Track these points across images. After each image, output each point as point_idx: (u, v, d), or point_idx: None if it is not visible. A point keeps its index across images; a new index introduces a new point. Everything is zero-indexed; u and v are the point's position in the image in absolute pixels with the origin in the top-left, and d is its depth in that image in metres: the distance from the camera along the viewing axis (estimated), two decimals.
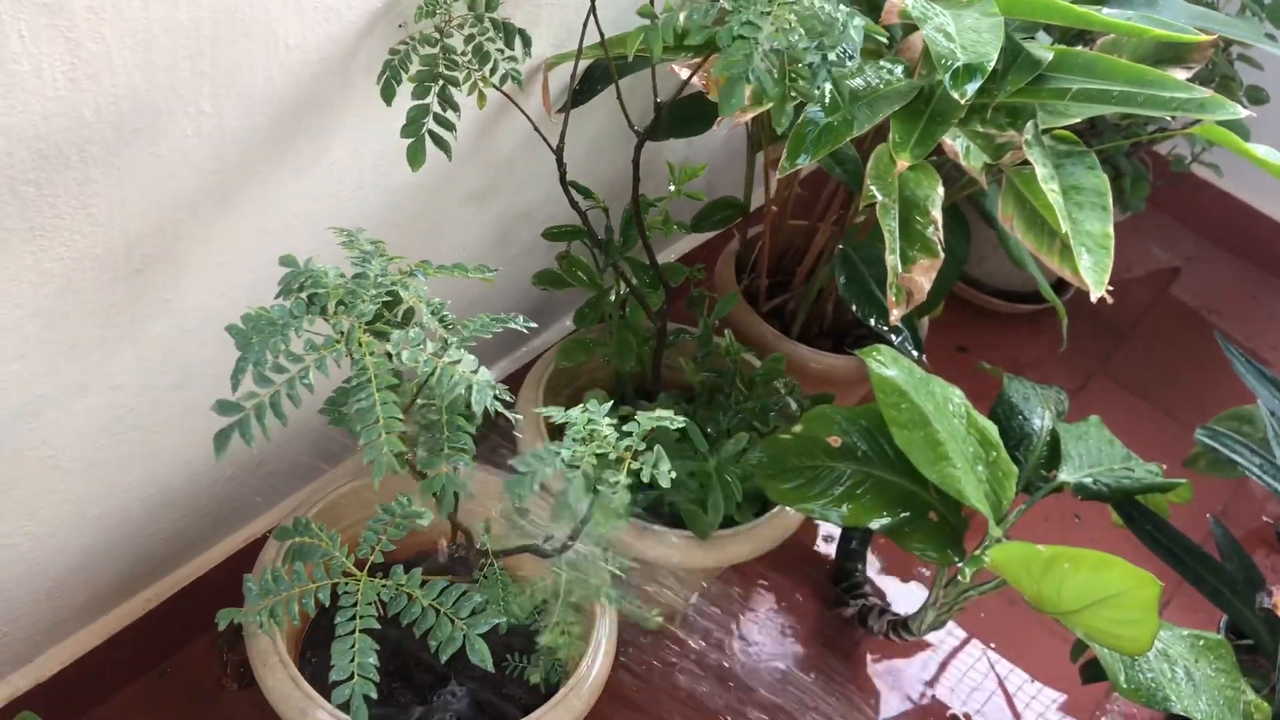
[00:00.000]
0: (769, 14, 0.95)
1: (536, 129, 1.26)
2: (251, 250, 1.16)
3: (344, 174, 1.21)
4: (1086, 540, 1.80)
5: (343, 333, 0.85)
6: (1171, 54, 1.36)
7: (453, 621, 0.93)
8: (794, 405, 1.50)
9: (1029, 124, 1.21)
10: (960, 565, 1.33)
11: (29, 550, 1.19)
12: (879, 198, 1.18)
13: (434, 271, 0.93)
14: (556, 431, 1.23)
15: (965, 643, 1.76)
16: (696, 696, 1.59)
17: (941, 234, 1.19)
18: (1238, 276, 2.54)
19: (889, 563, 1.82)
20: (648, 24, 1.07)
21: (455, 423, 0.96)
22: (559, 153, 1.28)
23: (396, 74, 1.07)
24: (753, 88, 0.95)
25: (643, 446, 0.91)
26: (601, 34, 1.22)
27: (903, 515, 1.34)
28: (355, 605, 0.94)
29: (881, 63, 1.26)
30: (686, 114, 1.42)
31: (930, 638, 1.73)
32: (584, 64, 1.36)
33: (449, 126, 1.09)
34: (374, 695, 0.90)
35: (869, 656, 1.71)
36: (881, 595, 1.77)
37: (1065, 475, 1.43)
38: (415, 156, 1.09)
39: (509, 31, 1.13)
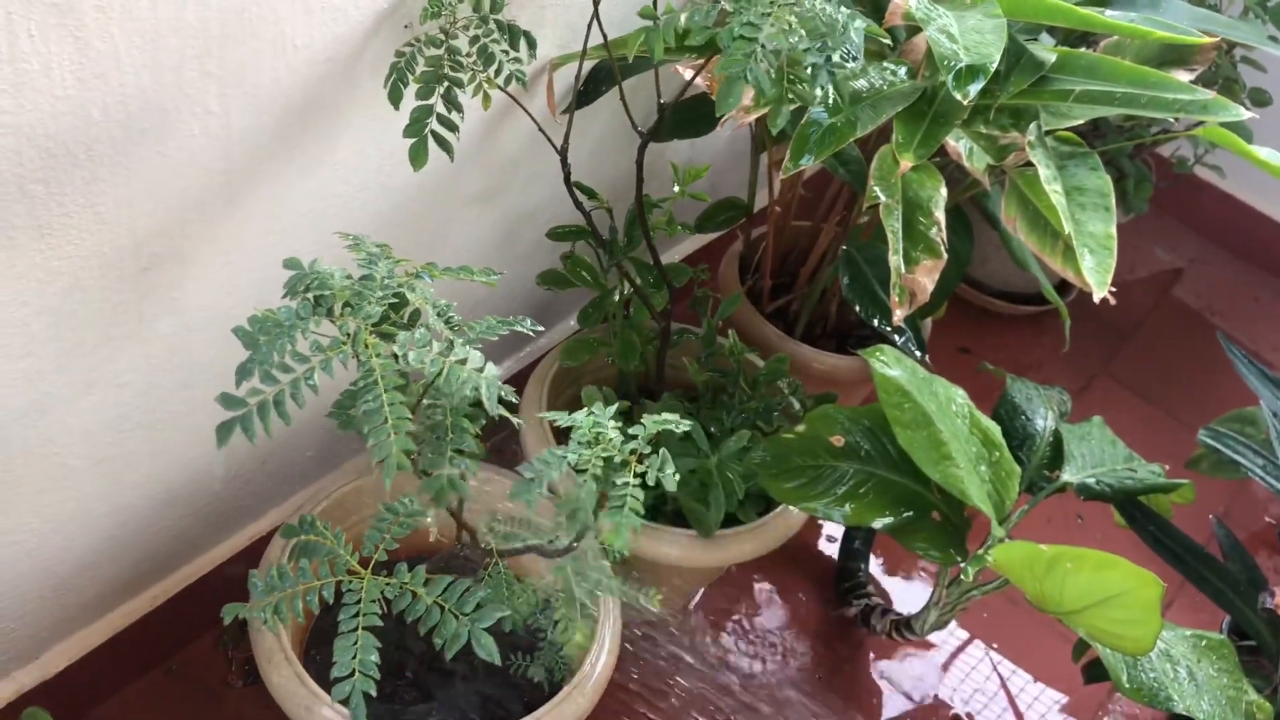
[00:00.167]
0: (769, 15, 0.95)
1: (541, 130, 1.27)
2: (258, 249, 1.17)
3: (350, 174, 1.22)
4: (1089, 541, 1.80)
5: (349, 334, 0.86)
6: (1174, 56, 1.36)
7: (457, 618, 0.93)
8: (797, 405, 1.51)
9: (1032, 125, 1.22)
10: (963, 565, 1.33)
11: (35, 547, 1.19)
12: (882, 198, 1.19)
13: (440, 274, 0.94)
14: (561, 430, 1.23)
15: (968, 643, 1.76)
16: (699, 695, 1.59)
17: (945, 235, 1.20)
18: (1240, 278, 2.54)
19: (892, 563, 1.83)
20: (650, 25, 1.07)
21: (459, 423, 0.97)
22: (563, 153, 1.29)
23: (403, 75, 1.08)
24: (753, 89, 0.96)
25: (648, 449, 0.91)
26: (605, 35, 1.22)
27: (905, 515, 1.34)
28: (359, 603, 0.94)
29: (885, 64, 1.26)
30: (690, 115, 1.43)
31: (933, 638, 1.73)
32: (588, 65, 1.37)
33: (452, 127, 1.09)
34: (374, 693, 0.91)
35: (871, 656, 1.71)
36: (884, 595, 1.77)
37: (1068, 476, 1.43)
38: (418, 157, 1.09)
39: (514, 33, 1.13)
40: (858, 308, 1.53)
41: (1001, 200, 1.25)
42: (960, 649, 1.76)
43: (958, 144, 1.22)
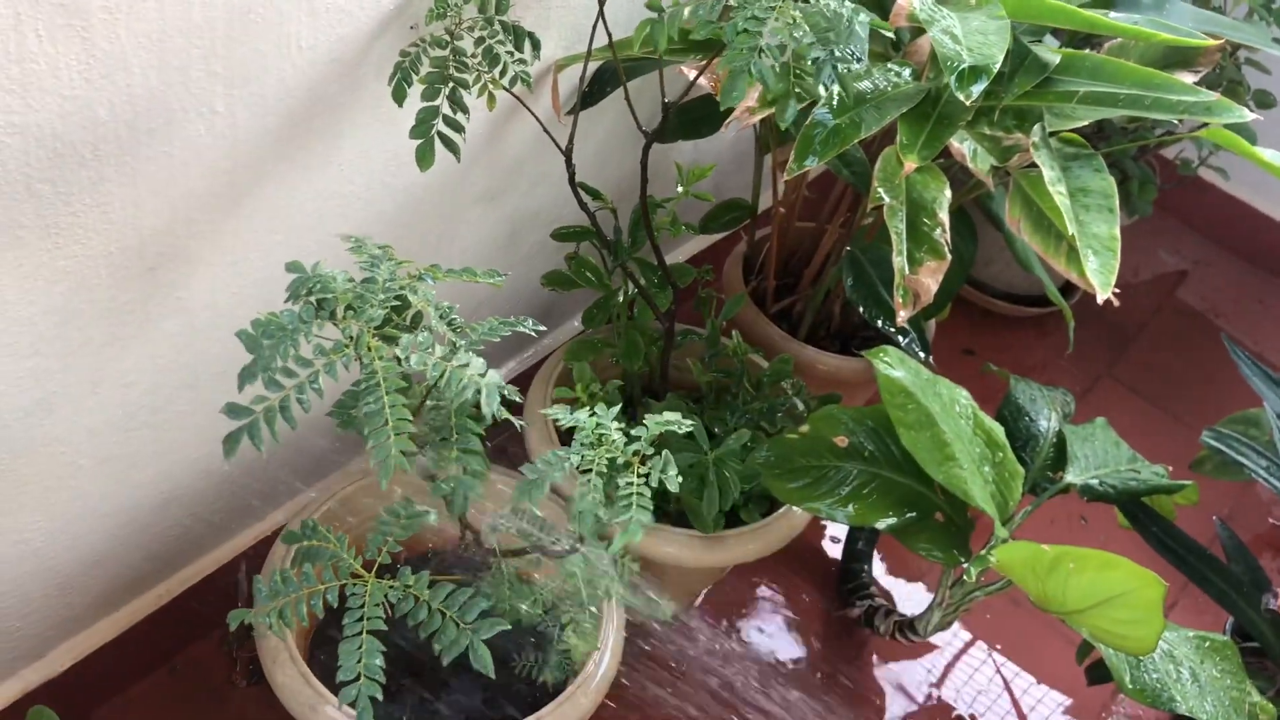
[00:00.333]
0: (774, 10, 0.95)
1: (546, 130, 1.27)
2: (263, 249, 1.17)
3: (354, 174, 1.22)
4: (1093, 542, 1.79)
5: (352, 337, 0.86)
6: (1179, 58, 1.36)
7: (458, 625, 0.93)
8: (801, 406, 1.51)
9: (1036, 126, 1.22)
10: (966, 565, 1.33)
11: (42, 546, 1.20)
12: (886, 199, 1.19)
13: (443, 275, 0.94)
14: (565, 430, 1.23)
15: (971, 644, 1.76)
16: (703, 696, 1.59)
17: (949, 236, 1.20)
18: (1244, 280, 2.54)
19: (895, 563, 1.83)
20: (654, 17, 1.07)
21: (464, 425, 0.97)
22: (568, 154, 1.29)
23: (408, 76, 1.08)
24: (759, 87, 0.96)
25: (651, 450, 0.91)
26: (610, 36, 1.23)
27: (909, 515, 1.34)
28: (363, 607, 0.94)
29: (889, 65, 1.26)
30: (694, 116, 1.43)
31: (936, 639, 1.73)
32: (593, 66, 1.37)
33: (458, 128, 1.10)
34: (380, 697, 0.91)
35: (875, 657, 1.71)
36: (887, 596, 1.77)
37: (1072, 477, 1.43)
38: (424, 157, 1.10)
39: (519, 34, 1.13)
40: (861, 309, 1.53)
41: (1005, 202, 1.26)
42: (963, 650, 1.76)
43: (962, 145, 1.22)
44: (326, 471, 1.52)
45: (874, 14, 1.03)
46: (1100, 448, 1.48)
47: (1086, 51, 1.32)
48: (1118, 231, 1.18)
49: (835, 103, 1.18)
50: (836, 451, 1.35)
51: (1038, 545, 1.18)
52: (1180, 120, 1.22)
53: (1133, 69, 1.23)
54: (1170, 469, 1.48)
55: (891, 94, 1.23)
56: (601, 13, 1.20)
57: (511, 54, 1.13)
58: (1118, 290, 1.15)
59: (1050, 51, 1.25)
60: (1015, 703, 1.71)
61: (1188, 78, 1.29)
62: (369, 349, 0.85)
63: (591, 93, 1.40)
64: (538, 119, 1.27)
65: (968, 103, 1.13)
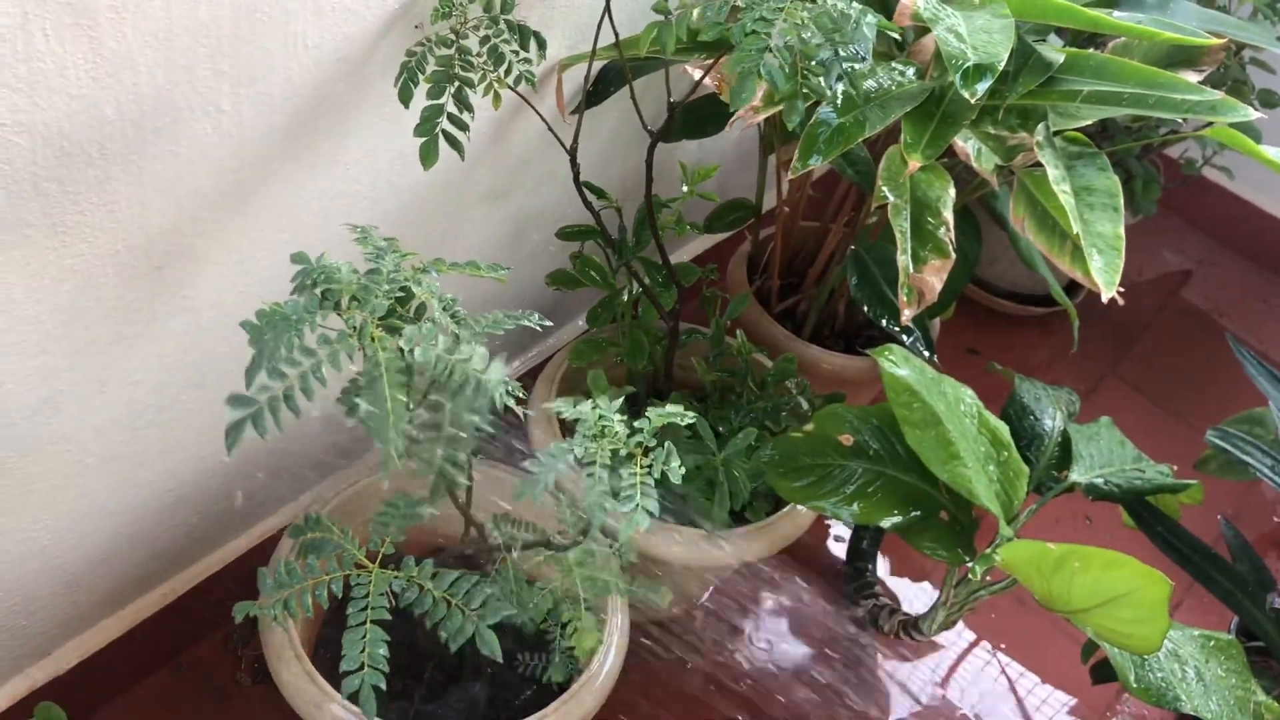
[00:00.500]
0: (781, 10, 0.95)
1: (550, 129, 1.27)
2: (269, 248, 1.18)
3: (360, 173, 1.22)
4: (1098, 541, 1.79)
5: (355, 327, 0.86)
6: (1183, 57, 1.36)
7: (463, 612, 0.93)
8: (805, 405, 1.51)
9: (1040, 126, 1.22)
10: (971, 564, 1.33)
11: (48, 544, 1.20)
12: (891, 198, 1.19)
13: (447, 268, 0.94)
14: (569, 430, 1.24)
15: (975, 643, 1.76)
16: (706, 695, 1.59)
17: (953, 235, 1.20)
18: (1249, 279, 2.53)
19: (899, 563, 1.83)
20: (662, 20, 1.08)
21: (465, 417, 0.97)
22: (573, 153, 1.29)
23: (413, 75, 1.08)
24: (765, 86, 0.96)
25: (654, 442, 0.92)
26: (616, 35, 1.23)
27: (914, 514, 1.34)
28: (367, 596, 0.94)
29: (893, 64, 1.26)
30: (699, 115, 1.43)
31: (940, 638, 1.73)
32: (598, 65, 1.37)
33: (463, 127, 1.10)
34: (383, 686, 0.91)
35: (879, 656, 1.71)
36: (892, 595, 1.77)
37: (1076, 476, 1.43)
38: (428, 155, 1.10)
39: (524, 33, 1.14)
40: (866, 308, 1.53)
41: (1009, 200, 1.26)
42: (968, 650, 1.76)
43: (966, 144, 1.22)
44: (333, 471, 1.52)
45: (878, 13, 1.03)
46: (1105, 447, 1.48)
47: (1090, 51, 1.32)
48: (1122, 230, 1.18)
49: (840, 102, 1.18)
50: (841, 450, 1.35)
51: (1043, 544, 1.18)
52: (1184, 119, 1.22)
53: (1137, 68, 1.24)
54: (1175, 468, 1.48)
55: (896, 93, 1.24)
56: (607, 11, 1.20)
57: (517, 53, 1.13)
58: (1122, 289, 1.15)
59: (1054, 50, 1.25)
60: (1020, 702, 1.71)
61: (1192, 77, 1.29)
62: (373, 339, 0.86)
63: (596, 92, 1.41)
64: (543, 118, 1.27)
65: (972, 101, 1.13)
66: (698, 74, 1.28)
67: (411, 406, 0.84)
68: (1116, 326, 2.32)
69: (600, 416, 0.92)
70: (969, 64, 1.12)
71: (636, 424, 0.92)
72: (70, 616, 1.31)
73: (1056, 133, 1.23)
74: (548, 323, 0.98)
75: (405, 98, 1.09)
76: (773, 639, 1.70)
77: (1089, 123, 1.23)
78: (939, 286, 1.19)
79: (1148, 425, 2.12)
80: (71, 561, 1.24)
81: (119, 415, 1.16)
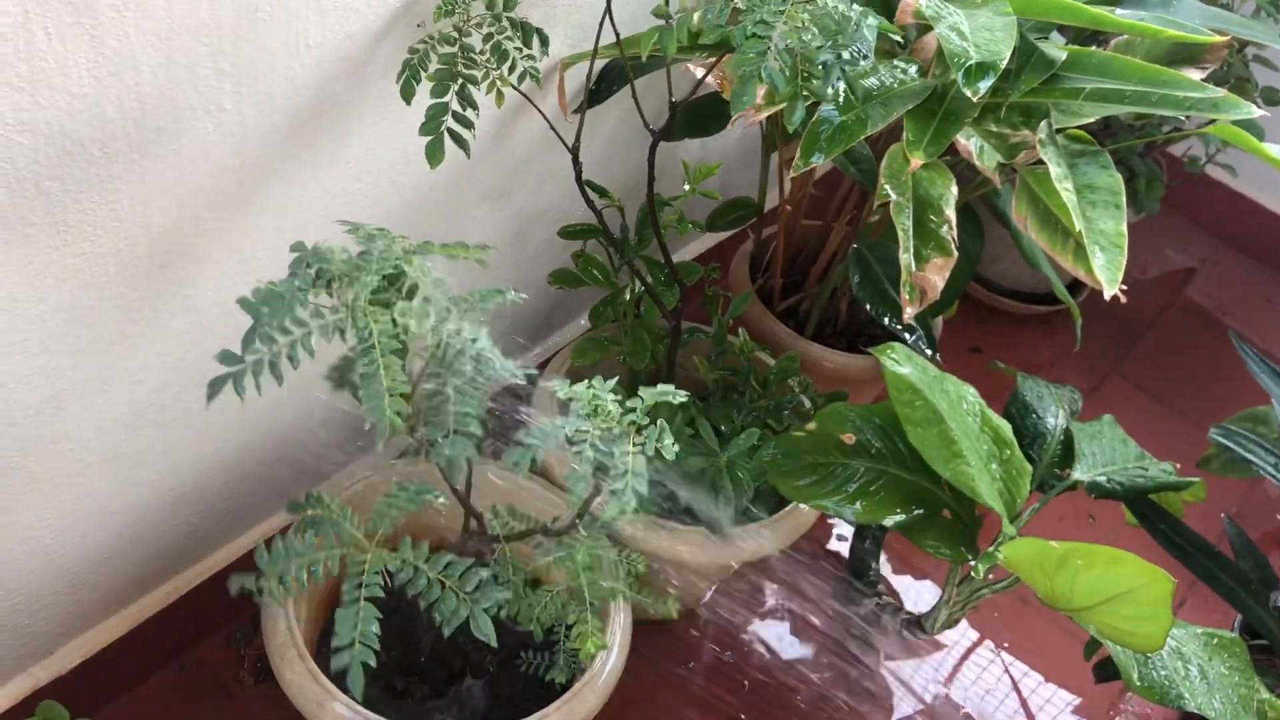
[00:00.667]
0: (782, 13, 0.95)
1: (553, 128, 1.27)
2: (271, 247, 1.18)
3: (362, 172, 1.22)
4: (1100, 539, 1.79)
5: (347, 304, 0.86)
6: (1186, 54, 1.36)
7: (457, 595, 0.93)
8: (808, 403, 1.51)
9: (1043, 123, 1.22)
10: (974, 563, 1.33)
11: (51, 544, 1.20)
12: (893, 196, 1.19)
13: (437, 250, 0.94)
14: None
15: (979, 642, 1.76)
16: (709, 694, 1.59)
17: (955, 233, 1.20)
18: (1252, 277, 2.53)
19: (902, 561, 1.83)
20: (663, 24, 1.08)
21: (463, 392, 0.96)
22: (575, 152, 1.29)
23: (416, 73, 1.09)
24: (766, 86, 0.96)
25: (646, 422, 0.91)
26: (617, 34, 1.23)
27: (916, 513, 1.34)
28: (362, 574, 0.94)
29: (895, 62, 1.26)
30: (701, 114, 1.43)
31: (943, 637, 1.73)
32: (600, 64, 1.37)
33: (468, 125, 1.10)
34: (373, 664, 0.89)
35: (882, 655, 1.71)
36: (894, 594, 1.77)
37: (1079, 474, 1.43)
38: (434, 154, 1.10)
39: (527, 31, 1.14)
40: (868, 306, 1.53)
41: (1012, 198, 1.26)
42: (971, 648, 1.76)
43: (968, 142, 1.22)
44: (335, 471, 1.52)
45: (880, 11, 1.03)
46: (1108, 445, 1.48)
47: (1093, 48, 1.32)
48: (1124, 228, 1.18)
49: (841, 100, 1.18)
50: (843, 449, 1.35)
51: (1045, 542, 1.18)
52: (1187, 117, 1.22)
53: (1139, 65, 1.23)
54: (1178, 466, 1.47)
55: (898, 91, 1.23)
56: (609, 10, 1.20)
57: (520, 50, 1.13)
58: (1125, 286, 1.15)
59: (1056, 48, 1.25)
60: (1023, 700, 1.71)
61: (1195, 74, 1.29)
62: (365, 314, 0.86)
63: (598, 91, 1.41)
64: (545, 117, 1.27)
65: (974, 99, 1.13)
66: (700, 72, 1.28)
67: (406, 378, 0.84)
68: (1119, 325, 2.32)
69: (594, 395, 0.91)
70: (971, 62, 1.11)
71: (629, 403, 0.92)
72: (73, 615, 1.31)
73: (1059, 130, 1.23)
74: (524, 295, 0.98)
75: (408, 95, 1.09)
76: (774, 638, 1.70)
77: (1091, 120, 1.23)
78: (941, 285, 1.19)
79: (1150, 423, 2.12)
80: (74, 560, 1.24)
81: (121, 414, 1.16)
